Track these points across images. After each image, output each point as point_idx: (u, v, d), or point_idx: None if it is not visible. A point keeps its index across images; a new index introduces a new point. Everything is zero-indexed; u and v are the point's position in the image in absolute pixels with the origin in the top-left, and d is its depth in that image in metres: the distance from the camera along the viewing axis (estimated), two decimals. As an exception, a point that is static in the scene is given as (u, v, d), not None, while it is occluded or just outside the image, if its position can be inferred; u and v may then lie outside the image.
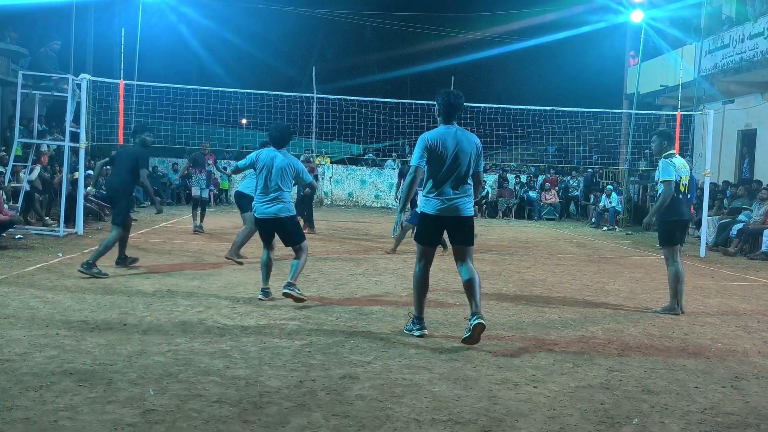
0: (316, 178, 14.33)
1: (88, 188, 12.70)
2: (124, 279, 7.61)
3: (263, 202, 6.76)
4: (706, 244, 13.44)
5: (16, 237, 10.58)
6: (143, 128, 8.65)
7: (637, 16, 21.33)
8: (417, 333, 5.51)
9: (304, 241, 6.93)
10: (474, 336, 5.15)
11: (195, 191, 13.50)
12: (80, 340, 4.97)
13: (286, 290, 6.53)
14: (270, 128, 7.13)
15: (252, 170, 7.18)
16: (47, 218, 12.88)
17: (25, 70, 13.48)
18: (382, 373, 4.48)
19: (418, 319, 5.57)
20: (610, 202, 20.12)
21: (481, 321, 5.15)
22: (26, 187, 12.24)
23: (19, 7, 16.20)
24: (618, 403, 4.09)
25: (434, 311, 6.54)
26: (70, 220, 12.05)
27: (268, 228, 6.85)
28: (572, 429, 3.66)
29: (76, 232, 11.68)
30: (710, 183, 14.11)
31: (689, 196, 7.00)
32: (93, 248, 9.96)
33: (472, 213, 5.50)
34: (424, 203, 5.46)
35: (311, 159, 15.39)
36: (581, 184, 24.11)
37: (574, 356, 5.11)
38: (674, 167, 6.82)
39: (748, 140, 19.15)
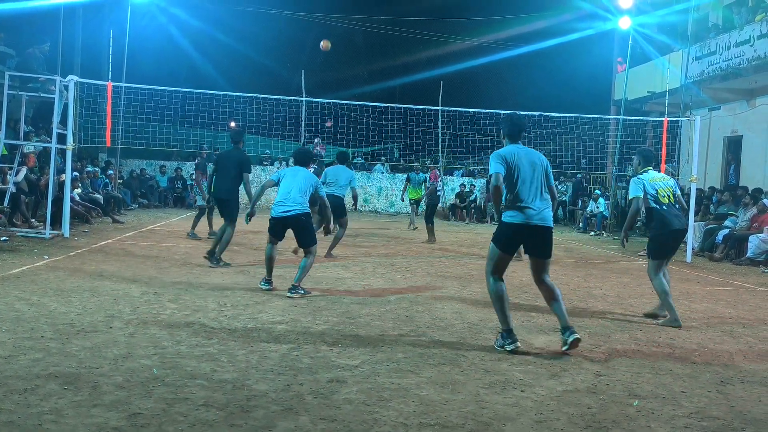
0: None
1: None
2: (111, 282, 7.56)
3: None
4: (693, 249, 13.55)
5: (2, 239, 10.49)
6: None
7: (624, 23, 21.49)
8: (509, 347, 5.31)
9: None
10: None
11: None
12: (65, 343, 4.93)
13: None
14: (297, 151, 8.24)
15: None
16: (33, 220, 12.77)
17: (11, 71, 13.37)
18: (370, 377, 4.47)
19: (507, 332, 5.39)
20: (598, 207, 20.21)
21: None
22: (12, 188, 12.13)
23: (6, 8, 16.06)
24: (605, 408, 4.10)
25: (422, 315, 6.55)
26: (56, 223, 11.96)
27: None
28: (559, 433, 3.67)
29: (62, 235, 11.59)
30: (696, 189, 14.21)
31: (677, 206, 7.02)
32: (79, 251, 9.92)
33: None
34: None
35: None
36: (569, 190, 24.22)
37: (561, 360, 5.13)
38: (643, 183, 6.94)
39: (734, 146, 19.32)
